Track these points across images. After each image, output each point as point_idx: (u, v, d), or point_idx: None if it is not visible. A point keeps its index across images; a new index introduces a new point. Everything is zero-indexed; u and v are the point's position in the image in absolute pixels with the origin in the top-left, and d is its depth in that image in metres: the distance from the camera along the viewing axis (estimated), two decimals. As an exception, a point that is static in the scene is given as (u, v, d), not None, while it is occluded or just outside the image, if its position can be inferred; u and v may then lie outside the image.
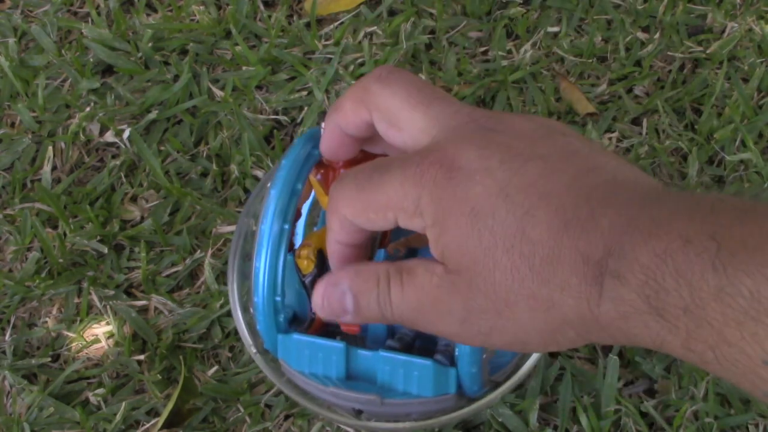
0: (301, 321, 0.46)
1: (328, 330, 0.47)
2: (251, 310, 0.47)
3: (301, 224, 0.53)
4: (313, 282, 0.46)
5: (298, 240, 0.51)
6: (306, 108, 0.69)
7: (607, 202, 0.28)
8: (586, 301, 0.27)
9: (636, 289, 0.26)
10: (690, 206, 0.26)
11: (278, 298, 0.44)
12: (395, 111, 0.33)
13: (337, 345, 0.43)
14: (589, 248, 0.27)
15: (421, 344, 0.45)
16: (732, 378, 0.25)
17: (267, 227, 0.42)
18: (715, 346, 0.24)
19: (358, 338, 0.45)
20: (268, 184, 0.43)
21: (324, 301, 0.34)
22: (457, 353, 0.42)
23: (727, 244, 0.24)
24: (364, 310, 0.33)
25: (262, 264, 0.43)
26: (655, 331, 0.26)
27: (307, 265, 0.45)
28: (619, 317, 0.26)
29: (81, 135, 0.69)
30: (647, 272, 0.25)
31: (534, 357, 0.48)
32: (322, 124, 0.39)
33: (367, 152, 0.41)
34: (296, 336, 0.43)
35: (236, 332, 0.60)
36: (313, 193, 0.51)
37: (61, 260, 0.63)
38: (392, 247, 0.48)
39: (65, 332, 0.60)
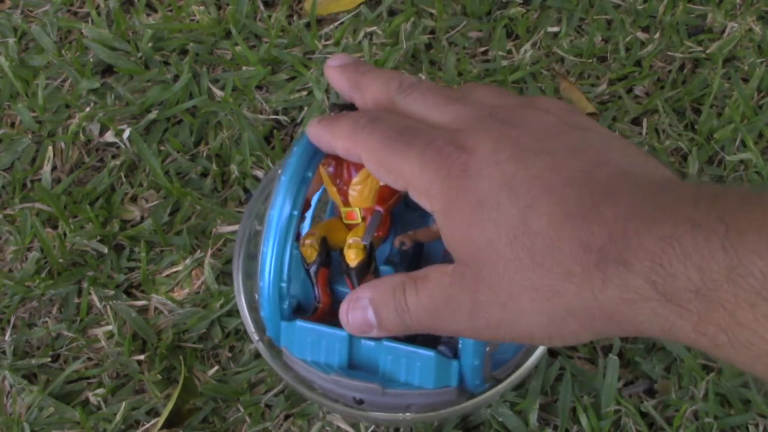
0: (305, 311, 0.46)
1: (332, 321, 0.47)
2: (256, 296, 0.48)
3: (308, 217, 0.53)
4: (318, 271, 0.46)
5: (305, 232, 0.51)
6: (306, 108, 0.69)
7: (611, 193, 0.28)
8: (590, 288, 0.27)
9: (642, 275, 0.25)
10: (694, 194, 0.26)
11: (284, 284, 0.44)
12: (418, 115, 0.34)
13: (341, 333, 0.43)
14: (591, 237, 0.27)
15: (425, 336, 0.46)
16: (745, 361, 0.25)
17: (276, 212, 0.43)
18: (727, 329, 0.24)
19: None
20: (279, 171, 0.44)
21: (349, 317, 0.35)
22: (460, 345, 0.42)
23: (735, 226, 0.24)
24: (385, 321, 0.34)
25: (269, 249, 0.43)
26: (663, 316, 0.25)
27: (311, 254, 0.45)
28: (625, 304, 0.26)
29: (81, 135, 0.69)
30: (653, 258, 0.25)
31: (536, 355, 0.48)
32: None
33: None
34: (300, 323, 0.44)
35: (236, 332, 0.60)
36: (322, 186, 0.51)
37: (61, 260, 0.63)
38: (399, 240, 0.48)
39: (65, 332, 0.60)
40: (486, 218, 0.29)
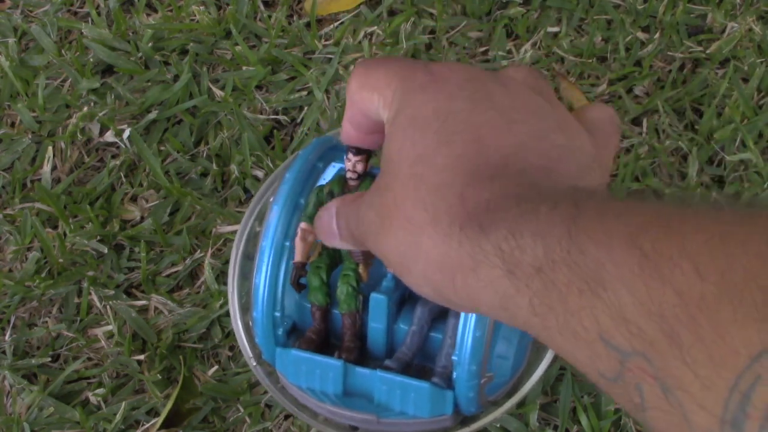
0: (301, 332, 0.46)
1: (329, 343, 0.46)
2: (250, 321, 0.47)
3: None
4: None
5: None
6: (306, 108, 0.69)
7: (511, 168, 0.29)
8: (448, 243, 0.27)
9: (494, 242, 0.26)
10: (574, 189, 0.27)
11: (277, 314, 0.43)
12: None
13: (335, 363, 0.43)
14: (474, 200, 0.28)
15: (419, 363, 0.45)
16: (572, 353, 0.25)
17: (268, 244, 0.42)
18: (558, 313, 0.24)
19: (357, 356, 0.45)
20: (271, 199, 0.43)
21: (318, 221, 0.36)
22: (454, 376, 0.41)
23: (584, 212, 0.25)
24: (342, 229, 0.34)
25: (261, 280, 0.43)
26: (501, 288, 0.26)
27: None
28: (471, 267, 0.27)
29: (81, 135, 0.69)
30: (509, 228, 0.26)
31: (536, 375, 0.47)
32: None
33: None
34: (294, 352, 0.43)
35: (236, 332, 0.60)
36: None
37: (61, 260, 0.63)
38: None
39: (65, 332, 0.60)
40: (410, 134, 0.30)
